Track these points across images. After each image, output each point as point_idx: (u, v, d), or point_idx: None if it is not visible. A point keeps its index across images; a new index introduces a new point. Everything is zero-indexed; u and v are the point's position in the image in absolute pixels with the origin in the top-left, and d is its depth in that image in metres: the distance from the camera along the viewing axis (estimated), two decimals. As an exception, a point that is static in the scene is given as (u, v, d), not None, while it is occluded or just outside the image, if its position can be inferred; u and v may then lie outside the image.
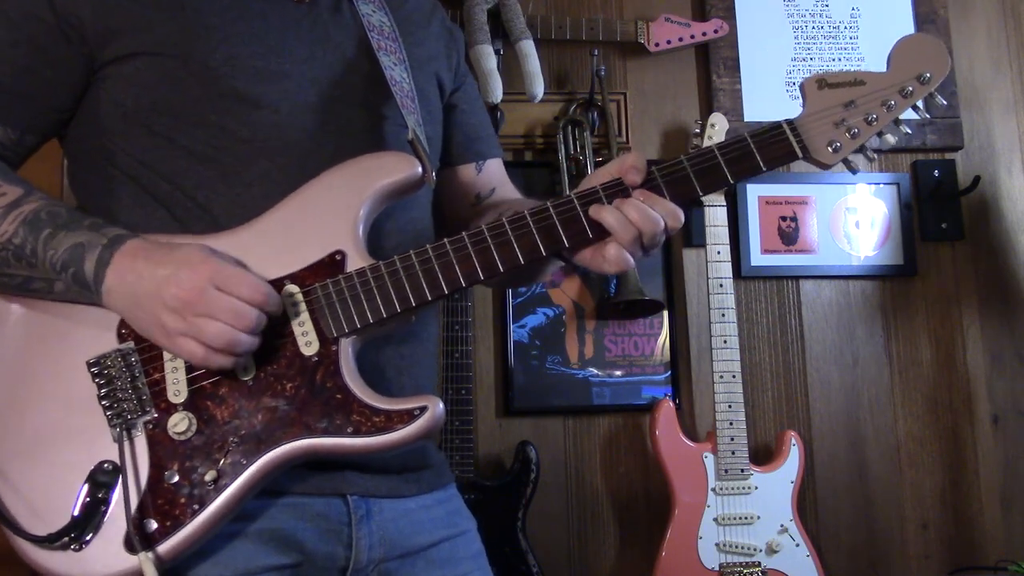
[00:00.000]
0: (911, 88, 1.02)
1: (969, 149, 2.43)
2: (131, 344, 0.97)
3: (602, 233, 0.99)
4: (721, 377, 2.09)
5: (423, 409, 0.95)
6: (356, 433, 0.94)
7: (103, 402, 0.95)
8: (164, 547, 0.92)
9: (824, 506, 2.26)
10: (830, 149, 1.01)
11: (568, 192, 1.03)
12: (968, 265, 2.39)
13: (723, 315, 2.10)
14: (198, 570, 0.95)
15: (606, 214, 0.99)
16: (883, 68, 1.03)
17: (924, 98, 1.02)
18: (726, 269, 2.12)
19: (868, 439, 2.30)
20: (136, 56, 1.04)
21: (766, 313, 2.34)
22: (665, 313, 2.29)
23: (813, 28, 2.44)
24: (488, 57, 2.17)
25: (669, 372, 2.28)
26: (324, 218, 1.00)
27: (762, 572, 2.01)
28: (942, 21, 2.46)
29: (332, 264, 0.99)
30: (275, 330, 0.96)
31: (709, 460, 2.07)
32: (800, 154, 1.01)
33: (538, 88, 2.20)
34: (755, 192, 2.35)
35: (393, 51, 1.15)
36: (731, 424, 2.06)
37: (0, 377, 0.98)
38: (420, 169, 1.03)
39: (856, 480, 2.28)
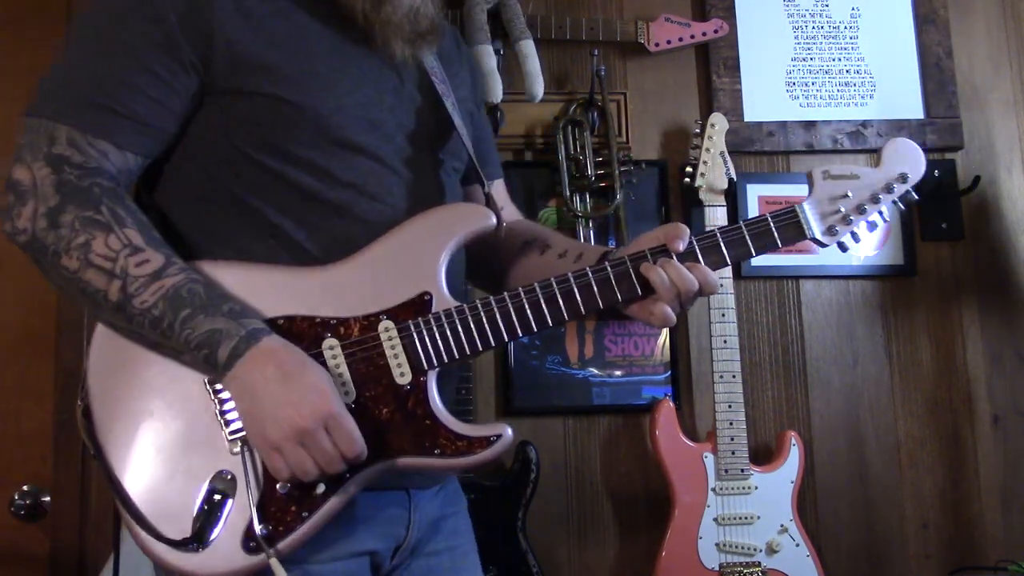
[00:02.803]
0: (895, 185, 1.19)
1: (969, 149, 2.43)
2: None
3: (648, 290, 1.14)
4: (721, 377, 2.09)
5: (498, 437, 1.10)
6: (442, 455, 1.08)
7: (222, 417, 1.05)
8: (280, 546, 1.03)
9: (824, 506, 2.26)
10: (830, 232, 1.18)
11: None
12: (968, 265, 2.39)
13: (723, 315, 2.10)
14: (299, 553, 1.05)
15: (652, 273, 1.13)
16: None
17: (902, 193, 1.20)
18: (726, 269, 2.12)
19: (868, 439, 2.30)
20: (255, 95, 1.10)
21: (766, 313, 2.34)
22: (665, 313, 2.29)
23: (813, 28, 2.44)
24: (488, 57, 2.17)
25: (669, 372, 2.28)
26: (413, 261, 1.13)
27: (762, 572, 2.01)
28: (942, 21, 2.46)
29: (421, 304, 1.11)
30: (373, 360, 1.09)
31: (709, 460, 2.07)
32: (808, 235, 1.17)
33: (538, 88, 2.20)
34: (755, 192, 2.35)
35: (447, 95, 1.28)
36: (731, 424, 2.06)
37: (124, 391, 1.07)
38: (495, 220, 1.17)
39: (856, 480, 2.28)
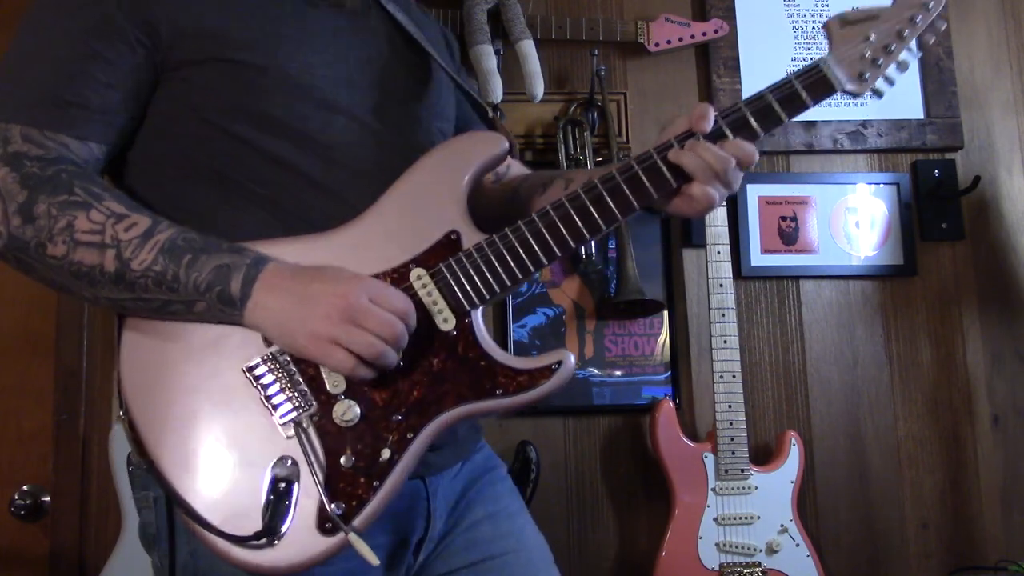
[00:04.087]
0: (919, 16, 1.11)
1: (969, 149, 2.43)
2: (279, 346, 1.02)
3: (684, 179, 1.07)
4: (721, 377, 2.09)
5: (559, 363, 1.04)
6: (505, 394, 1.03)
7: (268, 403, 1.01)
8: (356, 523, 0.99)
9: (824, 506, 2.26)
10: (860, 79, 1.11)
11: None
12: (968, 265, 2.39)
13: (723, 315, 2.10)
14: None
15: (684, 157, 1.06)
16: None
17: (929, 23, 1.12)
18: (726, 269, 2.12)
19: (868, 439, 2.30)
20: (211, 62, 1.06)
21: (766, 313, 2.34)
22: (665, 313, 2.29)
23: (813, 28, 2.44)
24: (488, 57, 2.17)
25: (669, 372, 2.28)
26: (432, 202, 1.07)
27: (762, 572, 2.01)
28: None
29: (449, 244, 1.06)
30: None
31: (709, 460, 2.07)
32: (838, 87, 1.11)
33: (538, 88, 2.20)
34: (755, 192, 2.35)
35: (430, 53, 1.24)
36: (731, 424, 2.06)
37: (164, 397, 1.03)
38: (507, 143, 1.11)
39: (856, 480, 2.28)
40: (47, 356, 2.11)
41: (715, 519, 2.04)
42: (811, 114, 2.42)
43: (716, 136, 1.08)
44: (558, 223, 1.06)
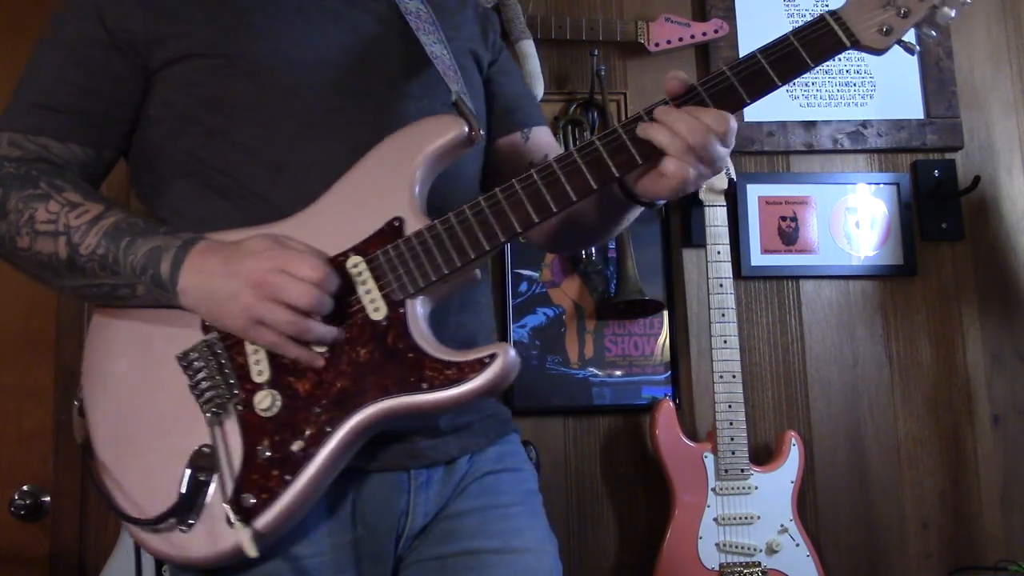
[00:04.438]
0: None
1: (969, 149, 2.43)
2: (215, 334, 1.02)
3: (654, 153, 0.98)
4: (721, 377, 2.08)
5: (492, 357, 0.96)
6: (431, 388, 0.96)
7: (194, 391, 1.00)
8: (262, 520, 0.95)
9: (824, 506, 2.26)
10: (880, 33, 0.98)
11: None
12: (968, 265, 2.39)
13: (723, 315, 2.10)
14: (278, 546, 0.99)
15: (652, 130, 0.98)
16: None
17: None
18: (726, 269, 2.12)
19: (868, 439, 2.30)
20: (184, 59, 1.08)
21: (766, 313, 2.34)
22: (665, 313, 2.29)
23: (813, 28, 2.44)
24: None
25: (669, 372, 2.28)
26: (380, 189, 1.03)
27: (762, 572, 2.01)
28: (942, 21, 2.46)
29: (392, 231, 1.01)
30: (344, 300, 0.99)
31: (709, 460, 2.07)
32: (848, 43, 0.99)
33: (538, 88, 2.20)
34: (755, 192, 2.35)
35: (431, 32, 1.17)
36: (731, 424, 2.06)
37: (98, 381, 1.06)
38: (466, 127, 1.04)
39: (856, 480, 2.28)
40: (47, 356, 2.11)
41: (715, 519, 2.04)
42: (811, 114, 2.44)
43: (694, 104, 0.99)
44: (505, 207, 1.00)
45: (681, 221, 2.33)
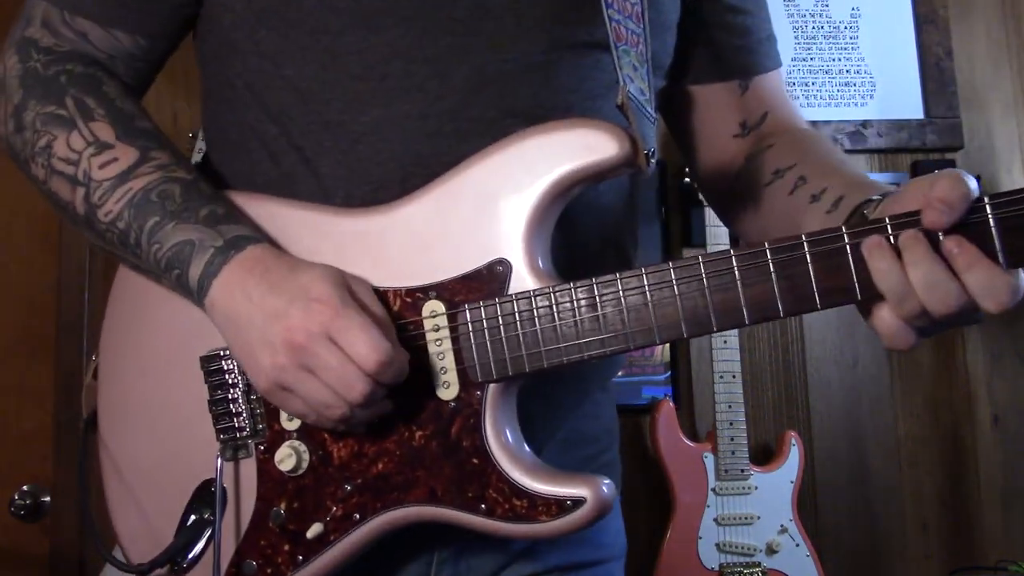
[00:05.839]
0: None
1: (969, 149, 2.43)
2: None
3: (870, 292, 0.67)
4: (721, 377, 2.08)
5: (578, 503, 0.72)
6: (489, 514, 0.74)
7: (212, 409, 0.80)
8: None
9: (824, 506, 2.26)
10: None
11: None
12: (968, 265, 2.39)
13: (723, 315, 2.10)
14: None
15: (877, 260, 0.66)
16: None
17: None
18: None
19: (868, 439, 2.30)
20: None
21: (766, 313, 2.34)
22: (665, 313, 2.28)
23: (813, 28, 2.44)
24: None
25: (669, 372, 2.28)
26: (487, 212, 0.75)
27: (762, 572, 2.01)
28: (942, 21, 2.46)
29: (491, 277, 0.75)
30: (411, 359, 0.75)
31: (709, 460, 2.06)
32: None
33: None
34: (755, 192, 2.35)
35: None
36: (731, 424, 2.06)
37: (117, 348, 0.87)
38: (625, 151, 0.73)
39: (856, 480, 2.28)
40: (47, 356, 2.11)
41: (715, 519, 2.04)
42: (811, 114, 2.44)
43: (972, 236, 0.64)
44: (649, 302, 0.73)
45: (681, 221, 2.33)
